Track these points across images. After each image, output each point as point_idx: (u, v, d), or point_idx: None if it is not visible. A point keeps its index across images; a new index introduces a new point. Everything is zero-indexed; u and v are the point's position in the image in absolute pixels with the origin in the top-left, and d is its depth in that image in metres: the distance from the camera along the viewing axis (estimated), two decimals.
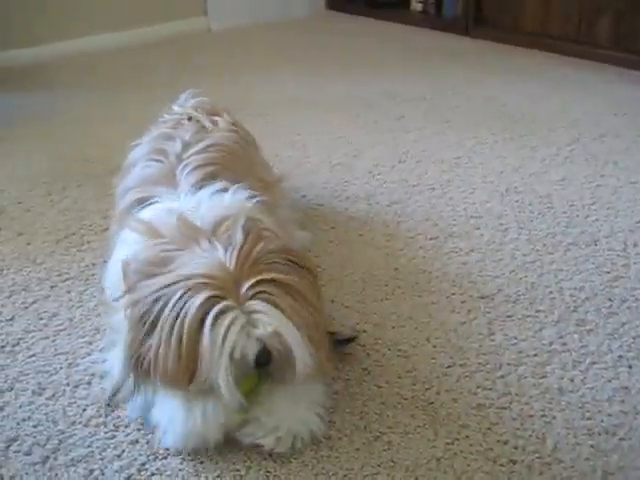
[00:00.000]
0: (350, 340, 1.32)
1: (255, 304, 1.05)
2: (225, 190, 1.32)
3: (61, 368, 1.32)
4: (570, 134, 2.33)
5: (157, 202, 1.32)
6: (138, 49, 3.41)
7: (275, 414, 1.11)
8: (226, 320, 1.04)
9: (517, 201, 1.91)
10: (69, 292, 1.55)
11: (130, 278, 1.13)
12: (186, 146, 1.46)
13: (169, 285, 1.07)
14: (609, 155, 2.17)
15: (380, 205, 1.90)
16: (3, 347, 1.37)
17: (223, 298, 1.05)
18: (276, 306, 1.06)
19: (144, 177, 1.44)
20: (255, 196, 1.32)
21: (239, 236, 1.12)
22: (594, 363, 1.31)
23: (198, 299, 1.05)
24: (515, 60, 3.15)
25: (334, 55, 3.30)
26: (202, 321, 1.04)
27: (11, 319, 1.46)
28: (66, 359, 1.34)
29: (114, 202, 1.54)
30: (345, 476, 1.08)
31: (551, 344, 1.36)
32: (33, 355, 1.35)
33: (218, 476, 1.08)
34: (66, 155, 2.24)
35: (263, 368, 1.11)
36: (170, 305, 1.06)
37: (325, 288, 1.53)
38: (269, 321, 1.05)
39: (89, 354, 1.35)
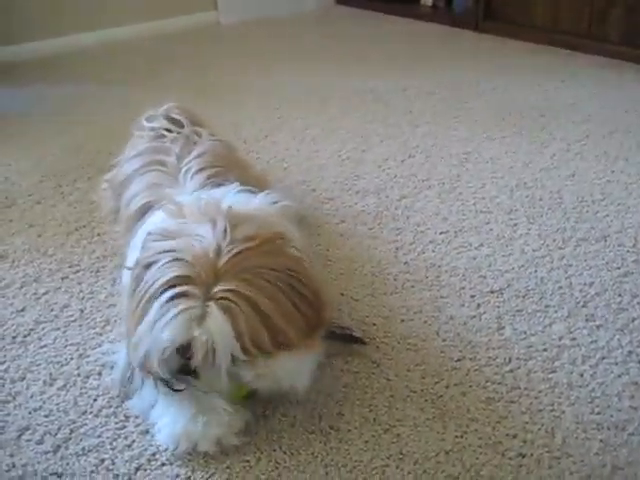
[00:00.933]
0: (357, 341, 1.32)
1: (214, 309, 1.02)
2: (244, 190, 1.33)
3: (72, 359, 1.33)
4: (581, 130, 2.32)
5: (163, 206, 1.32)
6: (148, 43, 3.42)
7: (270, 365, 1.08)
8: (180, 305, 1.03)
9: (527, 196, 1.91)
10: (80, 284, 1.55)
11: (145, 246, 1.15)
12: (180, 157, 1.48)
13: (164, 251, 1.09)
14: (620, 151, 2.17)
15: (390, 199, 1.90)
16: (14, 337, 1.38)
17: (193, 283, 1.04)
18: (232, 320, 1.02)
19: (148, 183, 1.45)
20: (280, 201, 1.33)
21: (254, 240, 1.09)
22: (604, 358, 1.31)
23: (172, 272, 1.05)
24: (525, 55, 3.14)
25: (343, 50, 3.30)
26: (162, 293, 1.05)
27: (22, 310, 1.47)
28: (77, 350, 1.35)
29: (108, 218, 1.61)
30: (354, 468, 1.09)
31: (560, 339, 1.36)
32: (44, 346, 1.36)
33: (228, 467, 1.09)
34: (77, 147, 2.24)
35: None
36: (154, 269, 1.08)
37: (335, 281, 1.54)
38: (211, 331, 1.02)
39: (100, 345, 1.36)
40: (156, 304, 1.04)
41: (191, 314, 1.02)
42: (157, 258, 1.09)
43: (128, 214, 1.46)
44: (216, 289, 1.03)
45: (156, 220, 1.27)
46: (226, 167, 1.47)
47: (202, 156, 1.48)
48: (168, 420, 1.12)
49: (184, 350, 1.05)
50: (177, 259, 1.07)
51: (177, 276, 1.05)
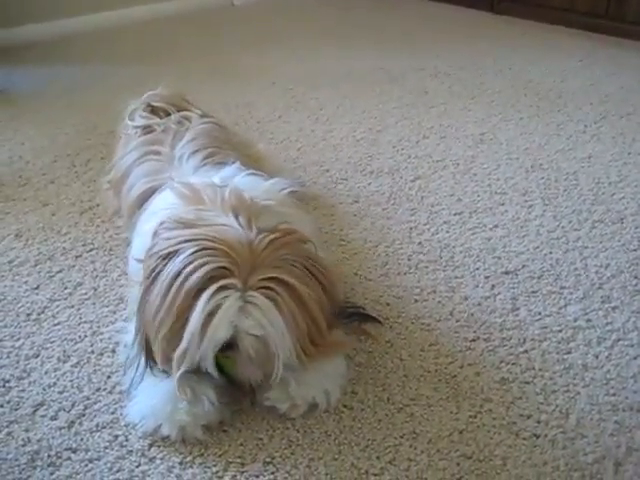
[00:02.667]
0: (373, 319, 1.31)
1: (258, 297, 1.02)
2: (252, 174, 1.33)
3: (86, 336, 1.33)
4: (597, 111, 2.30)
5: (172, 186, 1.30)
6: (163, 23, 3.40)
7: (300, 383, 1.11)
8: (222, 298, 1.01)
9: (542, 178, 1.89)
10: (93, 262, 1.56)
11: (157, 235, 1.12)
12: (173, 145, 1.47)
13: (188, 240, 1.05)
14: (637, 133, 2.14)
15: (404, 180, 1.89)
16: (29, 315, 1.39)
17: (232, 274, 1.02)
18: (278, 308, 1.03)
19: (146, 171, 1.45)
20: (289, 187, 1.33)
21: (279, 230, 1.10)
22: (619, 340, 1.30)
23: (209, 265, 1.02)
24: (541, 36, 3.11)
25: (358, 30, 3.27)
26: (201, 289, 1.02)
27: (37, 288, 1.47)
28: (90, 327, 1.35)
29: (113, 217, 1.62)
30: (367, 447, 1.08)
31: (576, 320, 1.35)
32: (58, 323, 1.36)
33: (241, 444, 1.09)
34: (91, 127, 2.24)
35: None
36: (180, 258, 1.04)
37: (349, 261, 1.54)
38: (262, 322, 1.02)
39: (113, 323, 1.36)
40: (202, 300, 1.01)
41: (239, 306, 1.01)
42: (180, 247, 1.05)
43: (129, 203, 1.46)
44: (255, 278, 1.03)
45: (164, 202, 1.25)
46: (220, 147, 1.47)
47: (194, 140, 1.47)
48: (143, 397, 1.12)
49: (229, 343, 1.04)
50: (210, 248, 1.04)
51: (218, 267, 1.02)
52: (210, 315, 1.01)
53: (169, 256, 1.06)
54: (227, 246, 1.04)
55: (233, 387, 1.12)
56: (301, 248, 1.12)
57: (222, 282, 1.02)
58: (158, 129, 1.56)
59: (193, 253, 1.04)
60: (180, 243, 1.06)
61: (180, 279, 1.03)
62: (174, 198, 1.22)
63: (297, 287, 1.05)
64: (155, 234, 1.13)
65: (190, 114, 1.61)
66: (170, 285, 1.04)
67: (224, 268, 1.03)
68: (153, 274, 1.08)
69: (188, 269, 1.03)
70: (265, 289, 1.03)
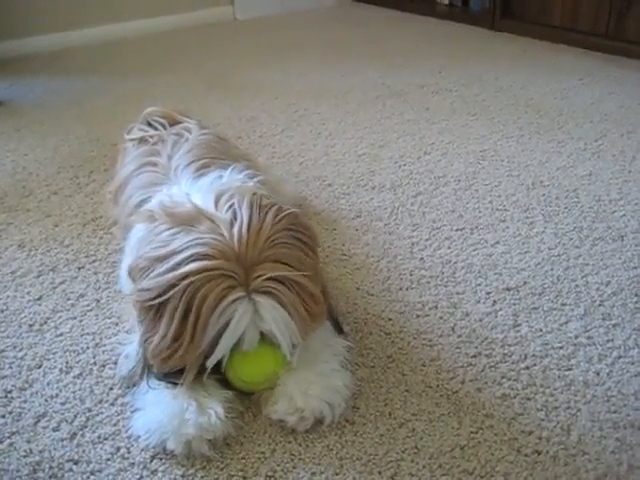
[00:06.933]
0: (340, 330, 1.29)
1: (263, 300, 1.06)
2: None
3: (88, 348, 1.33)
4: (598, 129, 2.31)
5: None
6: (165, 36, 3.44)
7: (307, 396, 1.12)
8: (238, 312, 1.06)
9: (543, 195, 1.90)
10: (96, 274, 1.56)
11: (137, 275, 1.15)
12: (170, 156, 1.48)
13: (177, 279, 1.06)
14: (637, 151, 2.15)
15: (406, 195, 1.89)
16: (31, 325, 1.39)
17: (234, 288, 1.06)
18: (282, 305, 1.08)
19: (142, 183, 1.45)
20: (255, 175, 1.34)
21: (245, 211, 1.11)
22: (620, 357, 1.30)
23: (213, 291, 1.05)
24: (542, 54, 3.13)
25: (360, 46, 3.29)
26: (214, 309, 1.05)
27: (39, 299, 1.47)
28: (93, 339, 1.35)
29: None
30: (369, 461, 1.08)
31: (577, 337, 1.35)
32: (61, 334, 1.37)
33: (243, 458, 1.09)
34: (94, 139, 2.25)
35: None
36: (179, 293, 1.06)
37: (351, 276, 1.54)
38: (273, 319, 1.07)
39: (115, 335, 1.36)
40: (217, 323, 1.06)
41: (250, 316, 1.07)
42: (174, 283, 1.07)
43: (126, 214, 1.46)
44: (252, 281, 1.06)
45: (136, 235, 1.28)
46: (216, 158, 1.47)
47: (191, 151, 1.47)
48: (148, 411, 1.12)
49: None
50: (202, 278, 1.06)
51: (220, 291, 1.05)
52: (226, 324, 1.06)
53: (168, 291, 1.08)
54: (216, 268, 1.06)
55: (238, 401, 1.14)
56: (276, 217, 1.13)
57: (229, 299, 1.05)
58: (154, 140, 1.57)
59: (191, 284, 1.06)
60: (170, 285, 1.07)
61: (194, 310, 1.06)
62: (139, 226, 1.25)
63: (293, 278, 1.09)
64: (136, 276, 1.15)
65: (190, 126, 1.62)
66: (183, 317, 1.06)
67: (227, 288, 1.06)
68: (157, 307, 1.10)
69: (197, 299, 1.05)
70: (266, 288, 1.07)
